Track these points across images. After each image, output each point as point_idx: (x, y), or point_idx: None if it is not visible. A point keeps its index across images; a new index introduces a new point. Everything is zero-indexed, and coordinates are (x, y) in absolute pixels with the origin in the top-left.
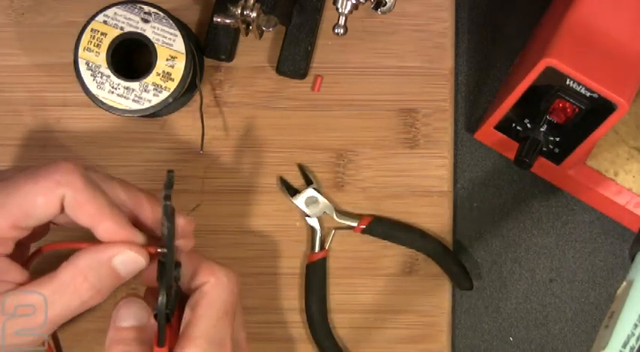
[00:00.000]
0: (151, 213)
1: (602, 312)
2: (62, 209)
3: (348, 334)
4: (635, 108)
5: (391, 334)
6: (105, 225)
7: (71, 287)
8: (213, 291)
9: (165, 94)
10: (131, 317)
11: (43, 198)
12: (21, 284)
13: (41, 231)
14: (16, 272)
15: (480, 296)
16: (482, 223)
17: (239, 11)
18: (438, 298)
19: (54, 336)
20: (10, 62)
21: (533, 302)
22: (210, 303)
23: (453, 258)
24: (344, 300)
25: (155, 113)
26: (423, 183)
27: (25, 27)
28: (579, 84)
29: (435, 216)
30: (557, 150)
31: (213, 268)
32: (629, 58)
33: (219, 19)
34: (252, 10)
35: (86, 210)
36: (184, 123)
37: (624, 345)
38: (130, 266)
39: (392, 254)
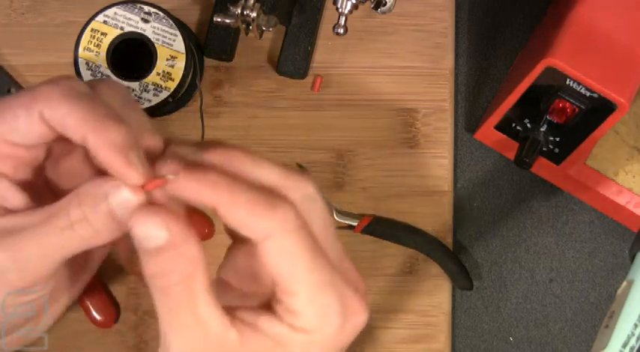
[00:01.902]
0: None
1: (602, 312)
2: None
3: None
4: (635, 108)
5: (391, 334)
6: (90, 140)
7: (63, 212)
8: (286, 245)
9: (165, 94)
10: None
11: (23, 111)
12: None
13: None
14: (16, 199)
15: (479, 296)
16: (482, 223)
17: (239, 11)
18: (438, 298)
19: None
20: (10, 62)
21: (533, 302)
22: (291, 262)
23: (453, 258)
24: None
25: (155, 113)
26: (423, 183)
27: (25, 27)
28: (579, 84)
29: (435, 216)
30: (557, 150)
31: (267, 213)
32: (629, 57)
33: (219, 19)
34: (252, 10)
35: (67, 123)
36: (184, 123)
37: (624, 345)
38: (126, 209)
39: (392, 254)
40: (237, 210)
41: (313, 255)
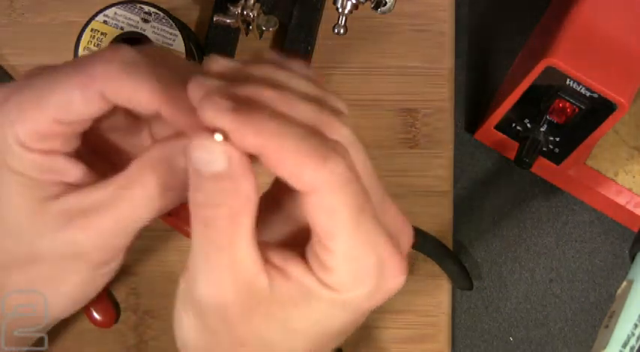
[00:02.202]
0: None
1: (602, 312)
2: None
3: None
4: (635, 108)
5: (391, 334)
6: (166, 110)
7: (137, 181)
8: (330, 203)
9: None
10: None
11: (79, 92)
12: (80, 185)
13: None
14: (76, 171)
15: (479, 296)
16: (482, 223)
17: (239, 11)
18: (438, 298)
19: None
20: (10, 62)
21: (533, 302)
22: (333, 217)
23: (453, 258)
24: None
25: None
26: (423, 183)
27: (25, 27)
28: (579, 84)
29: (435, 216)
30: (557, 150)
31: (315, 165)
32: (629, 58)
33: (219, 19)
34: (252, 10)
35: (136, 99)
36: None
37: (624, 345)
38: (213, 162)
39: None
40: (284, 160)
41: (358, 214)
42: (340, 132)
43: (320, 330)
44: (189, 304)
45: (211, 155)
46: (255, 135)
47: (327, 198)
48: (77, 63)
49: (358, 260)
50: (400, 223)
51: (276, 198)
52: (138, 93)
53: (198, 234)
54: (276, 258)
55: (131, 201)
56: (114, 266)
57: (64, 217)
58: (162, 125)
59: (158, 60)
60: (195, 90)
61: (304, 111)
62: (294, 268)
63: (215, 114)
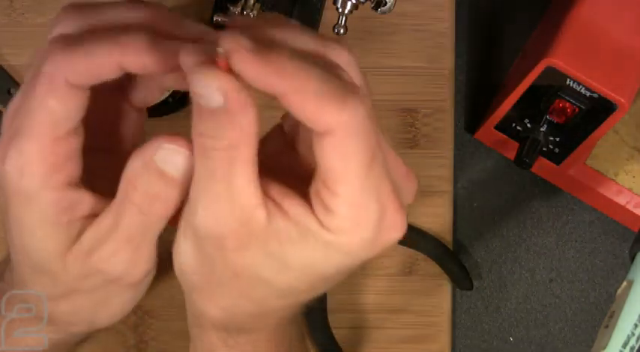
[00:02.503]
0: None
1: (602, 312)
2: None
3: (348, 334)
4: (635, 108)
5: (391, 334)
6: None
7: (126, 201)
8: (346, 144)
9: (165, 94)
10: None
11: (53, 100)
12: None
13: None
14: (88, 201)
15: (479, 296)
16: (482, 223)
17: (239, 11)
18: (438, 298)
19: None
20: (10, 62)
21: (533, 302)
22: (346, 159)
23: (453, 258)
24: (344, 300)
25: (155, 113)
26: (423, 183)
27: (25, 27)
28: (579, 84)
29: (435, 216)
30: (557, 150)
31: (336, 108)
32: (629, 58)
33: (219, 19)
34: (252, 10)
35: (86, 74)
36: (184, 124)
37: (624, 345)
38: (180, 164)
39: (392, 254)
40: (304, 101)
41: (370, 160)
42: (357, 78)
43: (314, 271)
44: (189, 232)
45: (208, 90)
46: (276, 77)
47: (344, 141)
48: (30, 70)
49: (361, 206)
50: (404, 175)
51: (283, 136)
52: (95, 62)
53: (198, 163)
54: (277, 193)
55: (125, 222)
56: (151, 277)
57: (86, 255)
58: (142, 88)
59: (86, 12)
60: (212, 33)
61: (315, 48)
62: (294, 206)
63: (237, 53)
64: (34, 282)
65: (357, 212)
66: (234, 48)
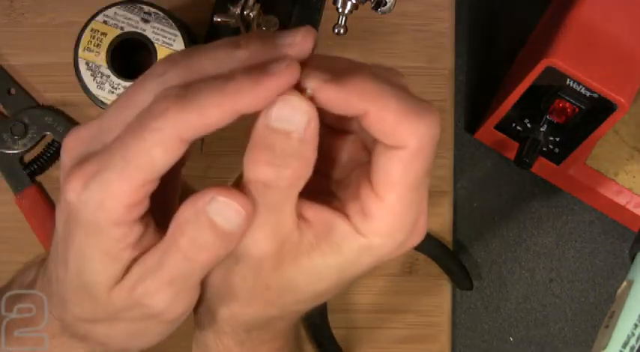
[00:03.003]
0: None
1: (602, 312)
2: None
3: (348, 334)
4: (635, 108)
5: (391, 334)
6: (244, 109)
7: (173, 245)
8: (414, 158)
9: None
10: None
11: (159, 150)
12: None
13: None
14: (152, 236)
15: (479, 296)
16: (482, 223)
17: (239, 11)
18: (438, 298)
19: None
20: (10, 62)
21: (533, 302)
22: (408, 171)
23: (453, 258)
24: (344, 300)
25: None
26: None
27: (25, 27)
28: (579, 84)
29: (435, 216)
30: (557, 150)
31: (416, 123)
32: (629, 58)
33: (219, 19)
34: (252, 10)
35: (206, 123)
36: None
37: (624, 345)
38: (232, 218)
39: None
40: (384, 119)
41: (424, 175)
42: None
43: (344, 275)
44: None
45: (294, 112)
46: (362, 101)
47: (412, 156)
48: (133, 127)
49: (402, 215)
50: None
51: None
52: (209, 117)
53: (252, 192)
54: (307, 210)
55: (170, 265)
56: (188, 314)
57: (131, 290)
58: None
59: (186, 64)
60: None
61: (384, 75)
62: (324, 218)
63: (317, 84)
64: (75, 303)
65: (397, 219)
66: (318, 83)
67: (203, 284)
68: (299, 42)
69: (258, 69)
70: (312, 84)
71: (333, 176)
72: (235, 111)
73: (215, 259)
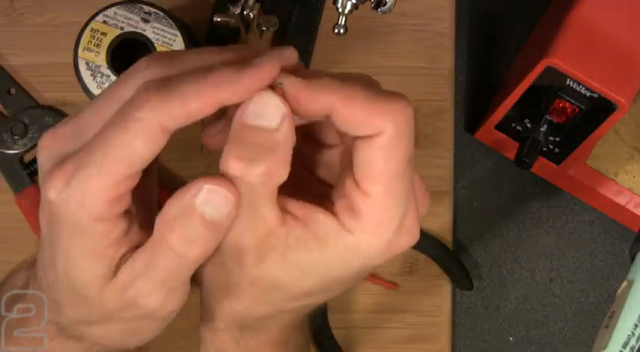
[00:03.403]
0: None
1: (602, 312)
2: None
3: (348, 334)
4: (635, 108)
5: (391, 334)
6: (225, 101)
7: (162, 244)
8: (392, 144)
9: None
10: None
11: (140, 141)
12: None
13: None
14: (136, 232)
15: (479, 296)
16: (482, 223)
17: (239, 11)
18: (438, 298)
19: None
20: (10, 62)
21: (533, 302)
22: (388, 159)
23: (453, 258)
24: (344, 300)
25: None
26: None
27: (25, 27)
28: (579, 84)
29: (435, 216)
30: (557, 150)
31: (386, 108)
32: (629, 58)
33: (219, 19)
34: (252, 10)
35: (183, 118)
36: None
37: (624, 345)
38: (222, 207)
39: None
40: (353, 109)
41: (407, 163)
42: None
43: (331, 274)
44: None
45: (267, 108)
46: (325, 92)
47: (391, 140)
48: (114, 119)
49: (388, 209)
50: (422, 192)
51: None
52: (191, 105)
53: None
54: (294, 207)
55: (161, 264)
56: (181, 307)
57: (121, 289)
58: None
59: (169, 60)
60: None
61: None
62: (313, 215)
63: (291, 83)
64: (69, 306)
65: (383, 213)
66: (290, 80)
67: (201, 279)
68: (286, 53)
69: (240, 62)
70: (282, 79)
71: (329, 183)
72: (217, 101)
73: (205, 253)
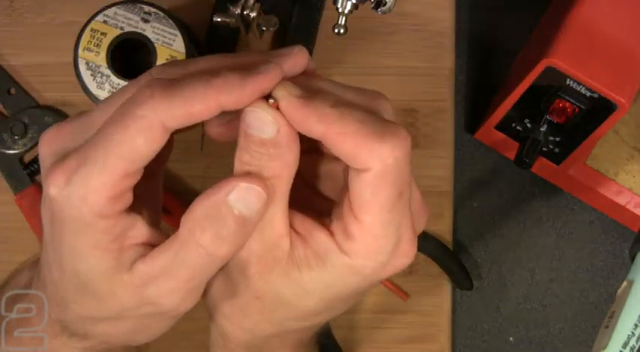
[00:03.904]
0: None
1: (602, 312)
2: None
3: (348, 334)
4: (635, 108)
5: (391, 334)
6: (228, 106)
7: (192, 242)
8: (378, 181)
9: None
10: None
11: (142, 139)
12: (152, 245)
13: (163, 153)
14: (141, 229)
15: (480, 296)
16: (482, 223)
17: (239, 11)
18: (438, 298)
19: None
20: (10, 62)
21: (533, 302)
22: (376, 194)
23: (453, 258)
24: None
25: None
26: (423, 183)
27: (25, 27)
28: (579, 84)
29: (435, 216)
30: (557, 150)
31: (375, 146)
32: (629, 58)
33: (219, 19)
34: (252, 10)
35: (192, 113)
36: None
37: (624, 345)
38: (253, 203)
39: None
40: (343, 141)
41: (397, 198)
42: (392, 116)
43: (332, 292)
44: None
45: (262, 122)
46: (317, 121)
47: (377, 178)
48: (116, 115)
49: (380, 236)
50: (419, 207)
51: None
52: (194, 107)
53: None
54: (299, 223)
55: (188, 262)
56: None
57: (138, 286)
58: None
59: (182, 65)
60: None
61: (358, 98)
62: (315, 234)
63: (285, 100)
64: (77, 302)
65: (376, 241)
66: (284, 95)
67: (207, 297)
68: (294, 55)
69: (245, 69)
70: (279, 93)
71: (331, 197)
72: (219, 105)
73: (234, 251)
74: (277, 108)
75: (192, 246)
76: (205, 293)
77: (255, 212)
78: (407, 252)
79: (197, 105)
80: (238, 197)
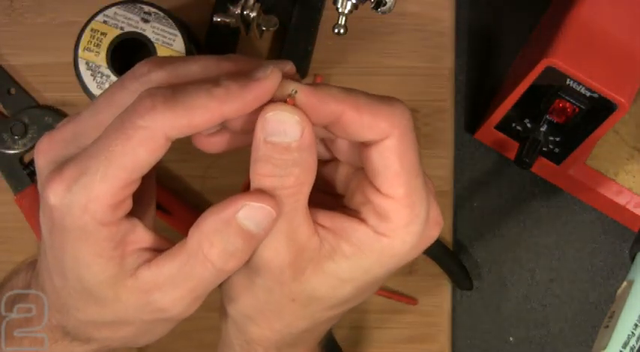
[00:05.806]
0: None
1: (602, 312)
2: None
3: (348, 334)
4: (635, 108)
5: (391, 334)
6: (230, 114)
7: (200, 256)
8: (402, 144)
9: None
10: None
11: (144, 149)
12: (152, 249)
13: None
14: (141, 232)
15: (480, 296)
16: (482, 223)
17: (239, 11)
18: (438, 298)
19: None
20: (10, 62)
21: (533, 302)
22: (403, 159)
23: (453, 258)
24: None
25: None
26: None
27: (25, 27)
28: (579, 84)
29: None
30: (557, 150)
31: (389, 112)
32: (629, 58)
33: (219, 19)
34: (252, 10)
35: (186, 130)
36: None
37: (624, 345)
38: (263, 221)
39: None
40: (361, 115)
41: (419, 158)
42: None
43: (368, 277)
44: (241, 267)
45: (285, 125)
46: (334, 100)
47: (400, 140)
48: (115, 125)
49: (414, 205)
50: (429, 184)
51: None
52: (196, 118)
53: None
54: (324, 218)
55: (194, 274)
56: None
57: (143, 292)
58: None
59: (172, 67)
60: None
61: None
62: (344, 224)
63: (303, 90)
64: (80, 308)
65: (411, 211)
66: (297, 86)
67: (229, 306)
68: (284, 69)
69: (243, 75)
70: (293, 86)
71: (338, 195)
72: (221, 114)
73: (240, 265)
74: (293, 103)
75: (199, 260)
76: (227, 301)
77: (263, 229)
78: (437, 219)
79: (199, 115)
80: (248, 215)
